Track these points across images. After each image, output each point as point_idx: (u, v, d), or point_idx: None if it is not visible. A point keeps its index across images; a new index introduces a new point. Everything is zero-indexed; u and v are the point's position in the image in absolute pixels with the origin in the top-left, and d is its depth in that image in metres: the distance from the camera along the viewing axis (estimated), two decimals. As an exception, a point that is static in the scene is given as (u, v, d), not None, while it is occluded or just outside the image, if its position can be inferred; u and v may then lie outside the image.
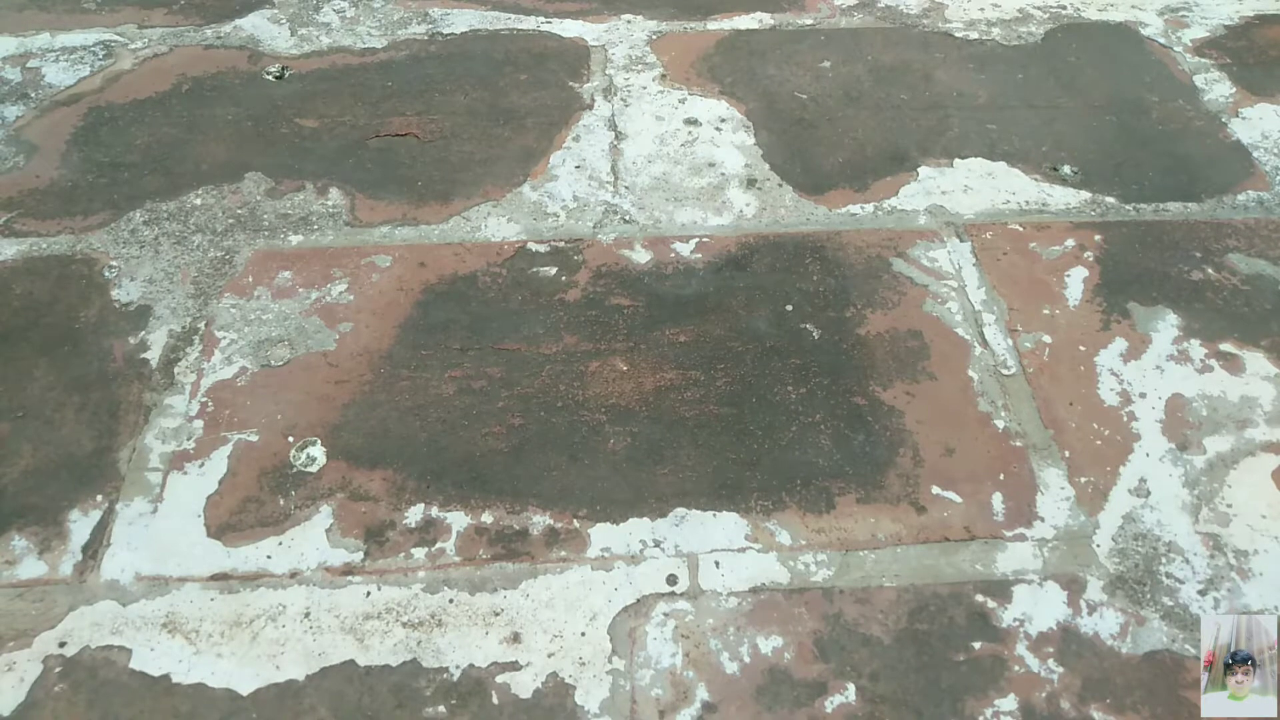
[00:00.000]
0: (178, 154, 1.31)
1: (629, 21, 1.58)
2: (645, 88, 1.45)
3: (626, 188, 1.28)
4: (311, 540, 0.90)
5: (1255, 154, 1.36)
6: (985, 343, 1.09)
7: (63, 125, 1.36)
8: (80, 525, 0.91)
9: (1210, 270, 1.18)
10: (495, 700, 0.80)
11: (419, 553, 0.90)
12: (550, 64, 1.49)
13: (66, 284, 1.13)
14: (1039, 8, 1.64)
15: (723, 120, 1.39)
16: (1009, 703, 0.80)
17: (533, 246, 1.19)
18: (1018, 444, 0.99)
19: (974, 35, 1.57)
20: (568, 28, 1.57)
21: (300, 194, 1.26)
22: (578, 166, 1.31)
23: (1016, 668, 0.83)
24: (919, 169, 1.31)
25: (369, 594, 0.87)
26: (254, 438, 0.98)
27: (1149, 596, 0.88)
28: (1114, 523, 0.93)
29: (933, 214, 1.25)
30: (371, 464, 0.96)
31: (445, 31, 1.55)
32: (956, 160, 1.33)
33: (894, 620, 0.85)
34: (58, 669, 0.81)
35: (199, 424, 0.99)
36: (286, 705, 0.80)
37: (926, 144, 1.35)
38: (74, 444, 0.97)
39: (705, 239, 1.20)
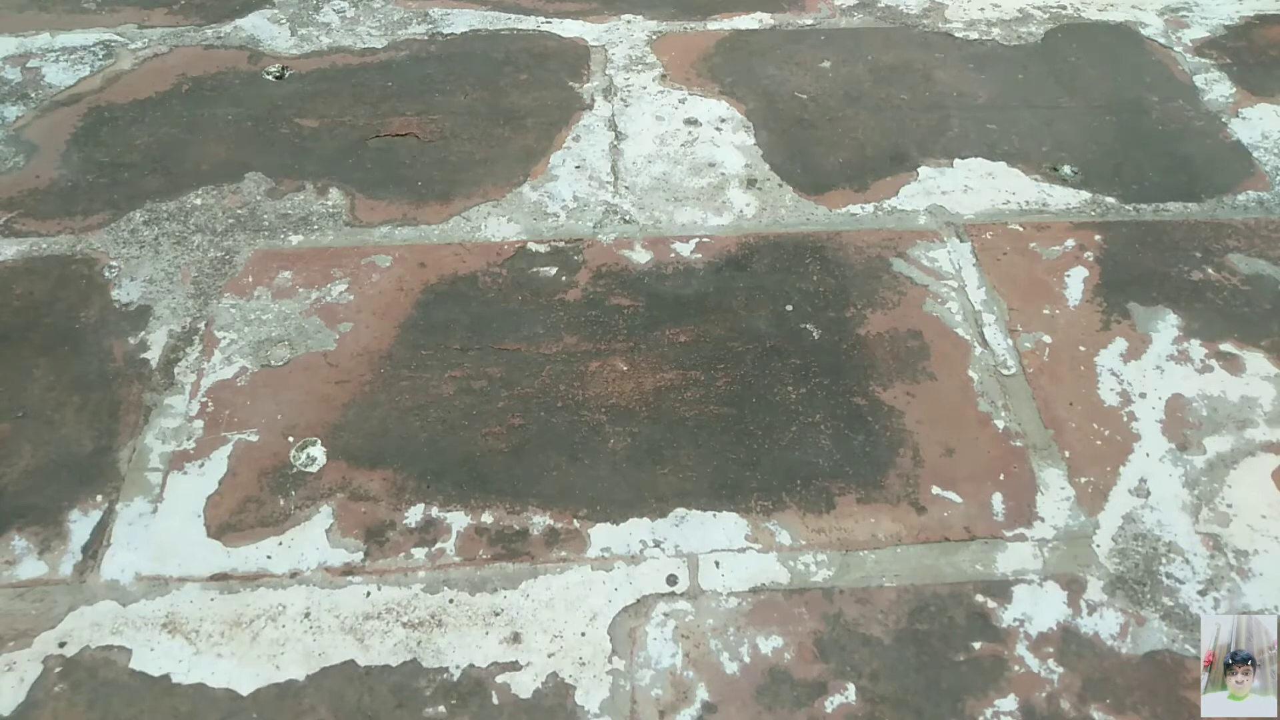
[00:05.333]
0: (178, 154, 1.31)
1: (629, 21, 1.58)
2: (645, 88, 1.45)
3: (626, 188, 1.28)
4: (311, 540, 0.90)
5: (1255, 154, 1.36)
6: (985, 343, 1.09)
7: (63, 125, 1.36)
8: (80, 525, 0.91)
9: (1210, 270, 1.18)
10: (495, 700, 0.80)
11: (419, 553, 0.90)
12: (550, 64, 1.49)
13: (66, 284, 1.13)
14: (1039, 8, 1.64)
15: (723, 120, 1.39)
16: (1009, 703, 0.80)
17: (533, 246, 1.19)
18: (1018, 444, 0.99)
19: (974, 35, 1.57)
20: (568, 28, 1.57)
21: (300, 194, 1.26)
22: (578, 166, 1.31)
23: (1016, 668, 0.83)
24: (919, 169, 1.31)
25: (369, 594, 0.87)
26: (254, 438, 0.98)
27: (1149, 597, 0.88)
28: (1114, 523, 0.93)
29: (933, 214, 1.25)
30: (371, 464, 0.96)
31: (445, 31, 1.55)
32: (956, 160, 1.33)
33: (894, 620, 0.85)
34: (58, 669, 0.81)
35: (199, 424, 0.99)
36: (286, 705, 0.80)
37: (926, 144, 1.35)
38: (74, 444, 0.97)
39: (705, 239, 1.20)
